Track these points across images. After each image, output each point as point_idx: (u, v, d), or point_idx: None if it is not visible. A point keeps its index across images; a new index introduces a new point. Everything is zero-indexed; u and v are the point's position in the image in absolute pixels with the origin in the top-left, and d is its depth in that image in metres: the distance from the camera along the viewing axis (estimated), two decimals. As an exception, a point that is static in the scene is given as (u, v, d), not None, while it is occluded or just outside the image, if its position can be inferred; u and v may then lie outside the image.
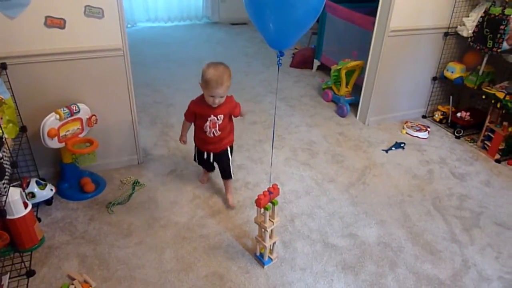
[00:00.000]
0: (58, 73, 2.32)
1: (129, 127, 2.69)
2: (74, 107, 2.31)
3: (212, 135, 2.26)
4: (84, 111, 2.38)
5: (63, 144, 2.32)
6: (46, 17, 2.15)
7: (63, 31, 2.22)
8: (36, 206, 2.32)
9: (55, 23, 2.18)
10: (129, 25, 6.22)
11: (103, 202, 2.45)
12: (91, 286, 1.88)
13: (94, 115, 2.44)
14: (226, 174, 2.46)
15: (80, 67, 2.36)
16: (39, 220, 2.25)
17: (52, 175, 2.58)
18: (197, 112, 2.24)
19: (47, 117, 2.21)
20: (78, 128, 2.38)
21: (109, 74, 2.45)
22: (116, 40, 2.36)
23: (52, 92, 2.35)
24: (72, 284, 1.88)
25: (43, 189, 2.30)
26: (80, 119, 2.38)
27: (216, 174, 2.69)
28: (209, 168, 2.58)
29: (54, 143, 2.28)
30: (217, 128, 2.24)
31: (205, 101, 2.18)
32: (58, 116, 2.23)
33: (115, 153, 2.73)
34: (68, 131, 2.33)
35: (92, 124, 2.44)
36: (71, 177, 2.50)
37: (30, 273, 1.92)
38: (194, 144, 2.44)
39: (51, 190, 2.34)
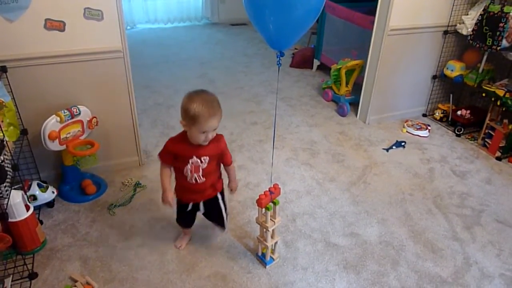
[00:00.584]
0: (59, 75, 2.33)
1: (130, 128, 2.69)
2: (75, 109, 2.32)
3: (194, 181, 1.83)
4: (85, 113, 2.39)
5: (64, 147, 2.33)
6: (46, 20, 2.15)
7: (63, 34, 2.22)
8: (38, 208, 2.33)
9: (54, 25, 2.18)
10: (128, 27, 6.23)
11: (104, 204, 2.45)
12: (93, 287, 1.89)
13: (95, 117, 2.44)
14: (219, 224, 2.10)
15: (80, 69, 2.36)
16: (41, 222, 2.25)
17: (53, 177, 2.59)
18: (176, 153, 1.79)
19: (47, 120, 2.22)
20: (79, 130, 2.39)
21: (109, 76, 2.46)
22: (116, 42, 2.36)
23: (53, 94, 2.35)
24: (75, 286, 1.88)
25: (45, 192, 2.30)
26: (81, 121, 2.38)
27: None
28: (189, 223, 2.11)
29: (55, 146, 2.28)
30: (201, 173, 1.81)
31: (187, 139, 1.76)
32: (58, 119, 2.24)
33: (116, 154, 2.74)
34: (69, 133, 2.34)
35: (93, 126, 2.45)
36: (72, 179, 2.50)
37: (33, 276, 1.92)
38: (175, 198, 1.96)
39: (53, 192, 2.35)
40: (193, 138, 1.73)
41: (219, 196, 1.99)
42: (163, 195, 1.85)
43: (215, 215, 2.04)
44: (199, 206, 1.97)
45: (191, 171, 1.80)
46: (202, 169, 1.81)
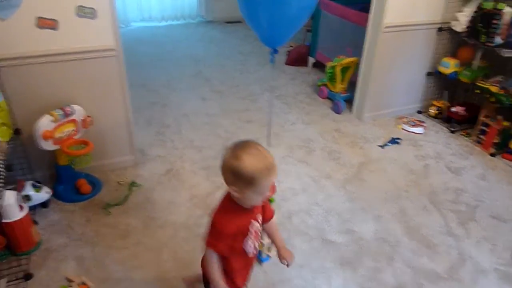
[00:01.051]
0: (52, 74, 2.31)
1: (125, 127, 2.68)
2: (69, 109, 2.30)
3: (254, 252, 1.46)
4: (79, 112, 2.37)
5: (58, 146, 2.31)
6: (38, 18, 2.14)
7: (55, 32, 2.20)
8: (32, 209, 2.30)
9: (47, 24, 2.17)
10: (122, 25, 6.18)
11: (99, 204, 2.44)
12: (89, 287, 1.88)
13: (89, 116, 2.43)
14: None
15: (74, 68, 2.35)
16: (36, 223, 2.23)
17: (47, 177, 2.57)
18: (236, 231, 1.35)
19: (41, 119, 2.20)
20: (73, 130, 2.37)
21: (103, 74, 2.44)
22: (109, 40, 2.35)
23: (46, 93, 2.34)
24: (70, 286, 1.88)
25: (39, 192, 2.29)
26: (75, 121, 2.37)
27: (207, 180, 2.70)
28: None
29: (49, 145, 2.27)
30: (260, 235, 1.48)
31: (236, 205, 1.34)
32: (52, 118, 2.22)
33: (111, 154, 2.73)
34: (63, 133, 2.32)
35: (87, 125, 2.43)
36: (67, 179, 2.49)
37: (28, 277, 1.91)
38: None
39: (47, 192, 2.33)
40: (248, 202, 1.33)
41: None
42: None
43: None
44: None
45: (252, 240, 1.40)
46: (260, 231, 1.46)
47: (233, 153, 1.27)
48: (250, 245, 1.40)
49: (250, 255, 1.43)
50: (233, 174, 1.26)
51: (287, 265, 1.55)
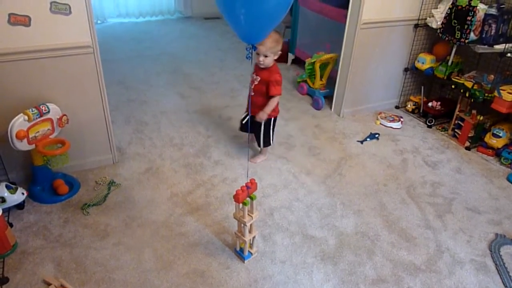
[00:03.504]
0: (25, 72, 2.24)
1: (102, 126, 2.63)
2: (44, 107, 2.24)
3: (252, 93, 2.53)
4: (54, 111, 2.31)
5: (33, 146, 2.25)
6: (10, 15, 2.07)
7: (28, 29, 2.14)
8: (7, 211, 2.25)
9: (19, 20, 2.10)
10: (98, 21, 6.06)
11: (77, 204, 2.39)
12: (68, 290, 1.84)
13: (65, 115, 2.37)
14: (257, 140, 2.79)
15: (48, 66, 2.28)
16: (11, 225, 2.17)
17: (23, 178, 2.50)
18: (253, 70, 2.57)
19: (15, 119, 2.13)
20: (48, 129, 2.31)
21: (79, 72, 2.39)
22: (85, 37, 2.29)
23: (20, 92, 2.27)
24: (48, 289, 1.84)
25: (14, 193, 2.22)
26: (51, 120, 2.30)
27: (187, 173, 2.69)
28: (243, 129, 2.82)
29: (23, 145, 2.20)
30: (253, 87, 2.50)
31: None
32: (26, 117, 2.16)
33: (89, 153, 2.67)
34: (38, 132, 2.26)
35: (63, 124, 2.37)
36: (43, 179, 2.43)
37: (4, 280, 1.86)
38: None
39: (23, 194, 2.27)
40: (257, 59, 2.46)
41: (262, 122, 2.62)
42: None
43: (256, 133, 2.74)
44: (247, 117, 2.65)
45: (250, 83, 2.54)
46: (254, 85, 2.51)
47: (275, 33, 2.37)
48: (250, 85, 2.55)
49: (251, 93, 2.54)
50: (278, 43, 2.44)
51: (256, 116, 2.58)
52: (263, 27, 1.66)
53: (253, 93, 2.53)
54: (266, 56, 2.41)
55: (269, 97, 2.55)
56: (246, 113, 2.74)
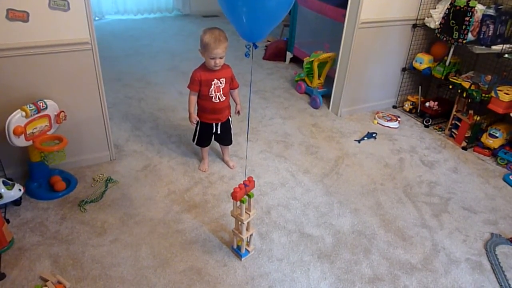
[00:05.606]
0: (23, 68, 2.23)
1: (100, 123, 2.63)
2: (41, 104, 2.23)
3: (218, 100, 2.42)
4: (52, 107, 2.30)
5: (30, 142, 2.24)
6: (8, 10, 2.06)
7: (26, 25, 2.13)
8: (3, 207, 2.24)
9: (17, 16, 2.09)
10: (97, 18, 6.04)
11: (75, 201, 2.39)
12: (65, 286, 1.84)
13: (62, 111, 2.36)
14: (228, 141, 2.70)
15: (46, 62, 2.28)
16: (8, 221, 2.17)
17: (20, 174, 2.50)
18: (202, 79, 2.36)
19: (12, 115, 2.12)
20: (46, 125, 2.31)
21: (77, 68, 2.38)
22: (83, 33, 2.29)
23: (17, 88, 2.26)
24: (46, 285, 1.83)
25: (11, 190, 2.22)
26: (48, 116, 2.30)
27: (185, 169, 2.69)
28: (208, 142, 2.68)
29: (21, 142, 2.20)
30: (222, 92, 2.42)
31: (206, 67, 2.36)
32: (24, 113, 2.15)
33: (86, 150, 2.67)
34: (36, 128, 2.25)
35: (60, 120, 2.37)
36: (40, 176, 2.42)
37: (0, 277, 1.86)
38: (195, 125, 2.57)
39: (19, 190, 2.26)
40: (208, 64, 2.32)
41: (230, 118, 2.62)
42: (190, 117, 2.48)
43: (229, 133, 2.65)
44: (218, 127, 2.55)
45: (215, 91, 2.39)
46: (222, 89, 2.41)
47: (205, 30, 2.26)
48: (212, 92, 2.39)
49: (215, 100, 2.42)
50: (200, 41, 2.27)
51: (238, 113, 2.65)
52: (265, 25, 1.66)
53: (223, 98, 2.45)
54: (221, 58, 2.31)
55: (232, 90, 2.54)
56: (209, 123, 2.54)
